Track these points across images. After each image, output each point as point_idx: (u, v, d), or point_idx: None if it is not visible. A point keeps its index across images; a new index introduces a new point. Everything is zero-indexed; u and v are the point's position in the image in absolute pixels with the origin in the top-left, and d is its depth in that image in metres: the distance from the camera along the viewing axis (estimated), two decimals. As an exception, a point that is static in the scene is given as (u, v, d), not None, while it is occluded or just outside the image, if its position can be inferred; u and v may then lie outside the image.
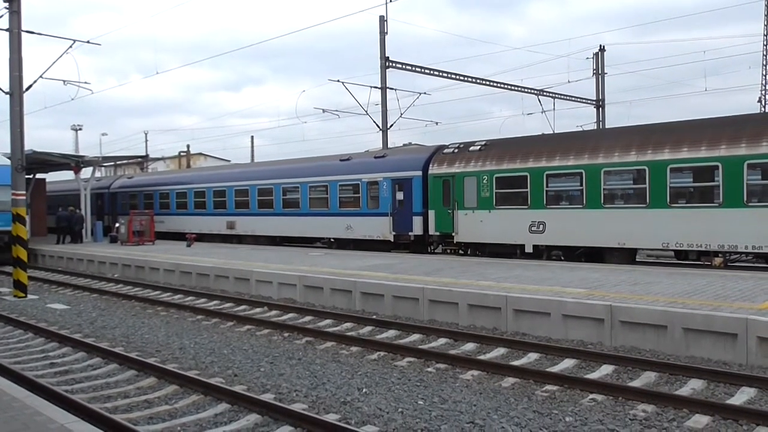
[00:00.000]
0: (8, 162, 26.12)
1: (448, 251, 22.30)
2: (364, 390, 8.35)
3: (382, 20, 29.64)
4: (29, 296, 17.46)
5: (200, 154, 70.27)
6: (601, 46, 39.05)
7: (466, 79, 33.43)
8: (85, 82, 23.28)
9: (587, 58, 39.33)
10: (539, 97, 36.86)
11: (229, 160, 64.14)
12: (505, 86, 35.93)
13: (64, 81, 23.00)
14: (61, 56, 21.25)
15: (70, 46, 21.00)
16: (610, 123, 39.66)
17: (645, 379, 8.58)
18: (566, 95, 38.33)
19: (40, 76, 21.50)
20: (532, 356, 9.88)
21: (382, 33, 29.67)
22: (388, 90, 30.72)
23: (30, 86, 20.44)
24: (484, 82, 34.65)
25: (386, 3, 27.51)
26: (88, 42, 21.23)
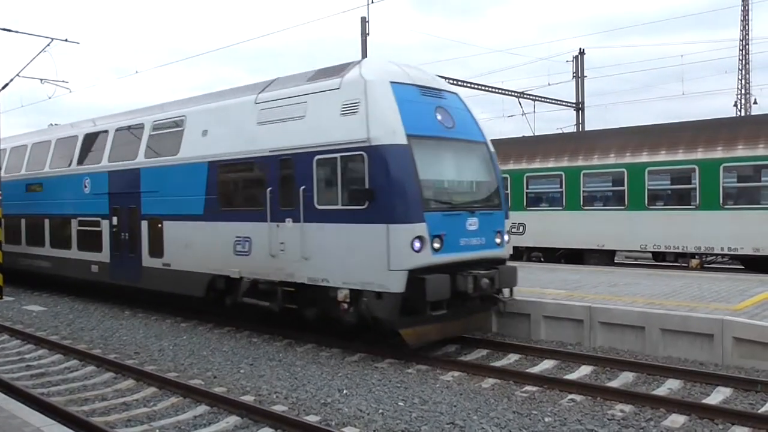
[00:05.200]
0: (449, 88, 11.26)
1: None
2: (344, 391, 8.34)
3: (364, 21, 29.63)
4: (5, 298, 17.19)
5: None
6: (580, 49, 39.35)
7: (448, 81, 33.52)
8: (63, 81, 22.89)
9: (567, 61, 39.68)
10: (519, 99, 37.09)
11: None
12: (488, 89, 36.10)
13: (41, 79, 22.66)
14: (38, 54, 20.92)
15: (48, 44, 20.70)
16: (588, 126, 40.04)
17: (623, 379, 8.66)
18: (546, 98, 38.61)
19: (17, 75, 21.20)
20: (512, 357, 9.93)
21: (364, 34, 29.64)
22: (369, 91, 30.66)
23: (6, 85, 20.18)
24: (467, 84, 34.78)
25: (368, 4, 27.53)
26: (66, 40, 20.95)
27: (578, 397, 7.90)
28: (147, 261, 13.73)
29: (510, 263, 10.97)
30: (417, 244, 9.30)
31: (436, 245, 9.51)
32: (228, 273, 11.77)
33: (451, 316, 9.85)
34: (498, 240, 10.65)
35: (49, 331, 12.89)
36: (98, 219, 15.25)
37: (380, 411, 7.54)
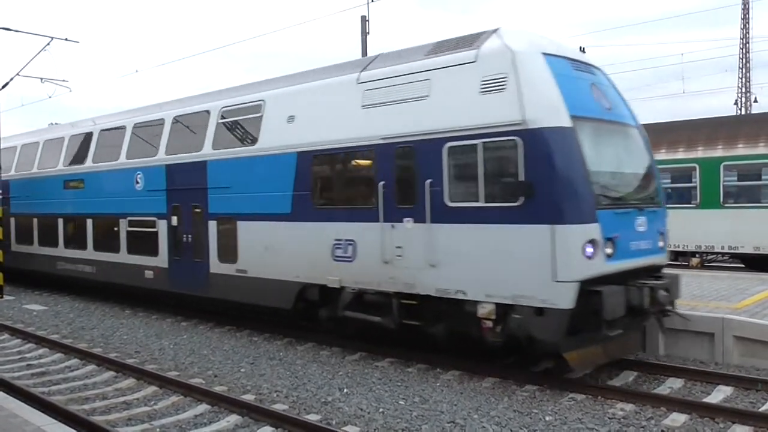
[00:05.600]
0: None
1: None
2: (345, 390, 8.35)
3: (364, 20, 29.58)
4: (5, 297, 17.19)
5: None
6: (581, 47, 39.37)
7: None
8: (63, 80, 22.90)
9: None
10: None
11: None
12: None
13: (41, 78, 22.66)
14: (38, 53, 20.91)
15: (48, 44, 20.69)
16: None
17: (624, 378, 8.66)
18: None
19: (17, 74, 21.20)
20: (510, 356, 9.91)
21: (364, 33, 29.57)
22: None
23: (6, 84, 20.18)
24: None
25: (368, 3, 27.50)
26: (66, 39, 20.94)
27: (579, 396, 7.90)
28: (216, 267, 12.03)
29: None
30: (589, 249, 7.67)
31: (609, 250, 7.90)
32: (324, 282, 10.10)
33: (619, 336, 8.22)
34: (661, 243, 9.10)
35: (49, 330, 12.89)
36: (153, 219, 13.50)
37: (381, 410, 7.55)
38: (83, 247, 15.88)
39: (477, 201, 8.37)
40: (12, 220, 18.69)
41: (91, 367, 9.83)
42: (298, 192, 10.52)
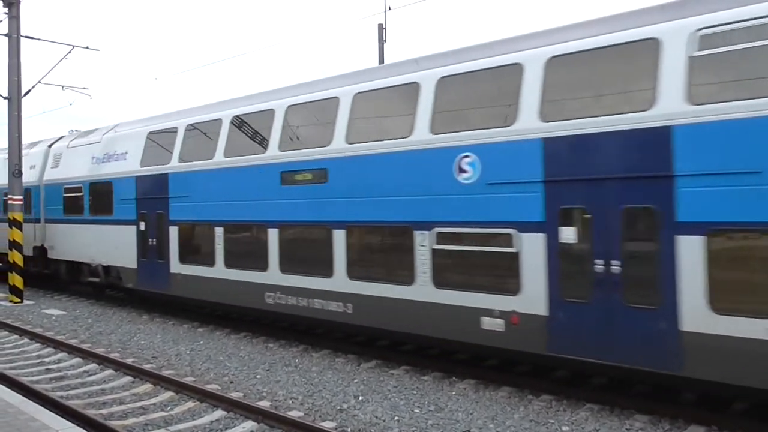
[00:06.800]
0: None
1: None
2: (360, 398, 8.35)
3: (381, 28, 29.69)
4: (25, 301, 17.41)
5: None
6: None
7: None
8: (84, 88, 23.21)
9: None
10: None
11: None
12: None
13: (62, 86, 22.98)
14: (60, 62, 21.24)
15: (69, 52, 21.00)
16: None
17: (641, 388, 8.56)
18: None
19: (39, 81, 21.51)
20: (528, 366, 9.86)
21: (381, 41, 29.68)
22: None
23: (29, 91, 20.48)
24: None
25: (385, 11, 27.64)
26: (87, 48, 21.25)
27: (596, 406, 7.83)
28: (700, 323, 6.88)
29: None
30: None
31: None
32: None
33: None
34: None
35: (68, 334, 13.03)
36: (507, 231, 8.40)
37: (396, 418, 7.53)
38: (326, 273, 10.69)
39: None
40: (173, 230, 13.76)
41: (108, 371, 9.92)
42: None
